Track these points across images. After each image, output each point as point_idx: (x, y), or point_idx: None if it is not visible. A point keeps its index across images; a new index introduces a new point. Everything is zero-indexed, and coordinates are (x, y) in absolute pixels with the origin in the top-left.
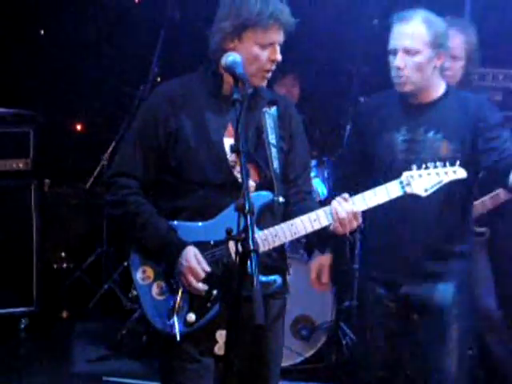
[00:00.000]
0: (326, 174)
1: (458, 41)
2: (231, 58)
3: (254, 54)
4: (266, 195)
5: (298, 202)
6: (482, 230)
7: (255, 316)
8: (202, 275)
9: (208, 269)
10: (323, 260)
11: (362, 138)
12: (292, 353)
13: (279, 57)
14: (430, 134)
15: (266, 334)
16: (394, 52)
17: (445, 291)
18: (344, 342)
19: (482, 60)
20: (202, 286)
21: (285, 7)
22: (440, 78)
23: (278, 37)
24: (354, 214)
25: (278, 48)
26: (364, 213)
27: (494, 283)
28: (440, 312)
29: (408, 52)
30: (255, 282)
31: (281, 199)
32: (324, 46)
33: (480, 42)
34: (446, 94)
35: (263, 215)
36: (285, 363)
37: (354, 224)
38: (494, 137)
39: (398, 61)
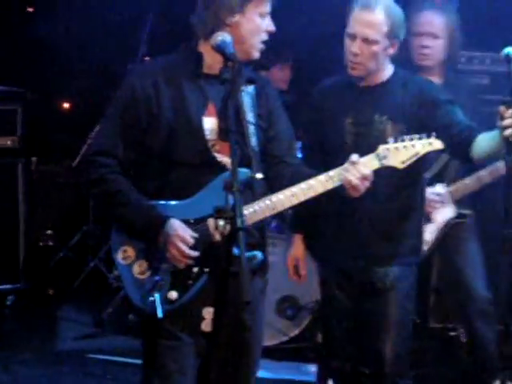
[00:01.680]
0: None
1: (438, 20)
2: (220, 37)
3: (257, 25)
4: (244, 172)
5: (291, 176)
6: (467, 211)
7: (242, 293)
8: (192, 241)
9: (195, 235)
10: (298, 253)
11: (315, 122)
12: (277, 332)
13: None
14: (376, 117)
15: (249, 311)
16: (353, 37)
17: (389, 274)
18: None
19: (468, 43)
20: (193, 253)
21: None
22: (388, 62)
23: (268, 9)
24: (365, 177)
25: (270, 20)
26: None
27: (483, 267)
28: (380, 295)
29: (366, 41)
30: (243, 261)
31: (258, 176)
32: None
33: (467, 26)
34: (392, 77)
35: (242, 192)
36: (270, 342)
37: (367, 184)
38: (444, 113)
39: (355, 47)
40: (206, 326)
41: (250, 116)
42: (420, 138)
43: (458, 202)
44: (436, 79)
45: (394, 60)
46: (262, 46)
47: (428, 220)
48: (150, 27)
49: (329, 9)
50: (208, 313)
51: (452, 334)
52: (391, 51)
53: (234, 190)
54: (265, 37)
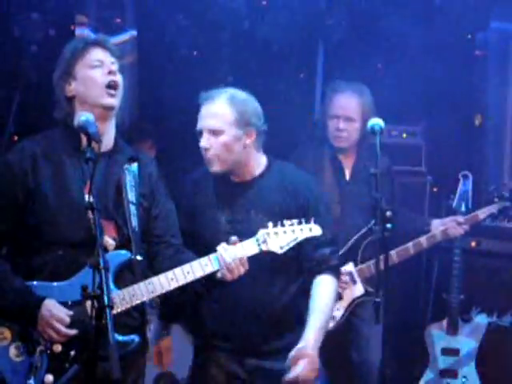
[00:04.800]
0: None
1: (354, 103)
2: (83, 117)
3: (89, 76)
4: (124, 254)
5: (170, 257)
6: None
7: (111, 370)
8: (67, 319)
9: (70, 312)
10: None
11: (188, 213)
12: None
13: (114, 67)
14: (252, 214)
15: None
16: (200, 133)
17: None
18: None
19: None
20: (70, 331)
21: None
22: (258, 153)
23: (104, 56)
24: (241, 260)
25: (110, 64)
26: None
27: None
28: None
29: (213, 132)
30: (111, 338)
31: (138, 257)
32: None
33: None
34: (266, 171)
35: (122, 274)
36: None
37: (242, 270)
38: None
39: (203, 142)
40: None
41: (131, 195)
42: (300, 223)
43: (367, 281)
44: (352, 159)
45: (311, 139)
46: (109, 90)
47: (337, 297)
48: (17, 108)
49: None
50: None
51: None
52: (248, 141)
53: (100, 268)
54: (105, 79)
